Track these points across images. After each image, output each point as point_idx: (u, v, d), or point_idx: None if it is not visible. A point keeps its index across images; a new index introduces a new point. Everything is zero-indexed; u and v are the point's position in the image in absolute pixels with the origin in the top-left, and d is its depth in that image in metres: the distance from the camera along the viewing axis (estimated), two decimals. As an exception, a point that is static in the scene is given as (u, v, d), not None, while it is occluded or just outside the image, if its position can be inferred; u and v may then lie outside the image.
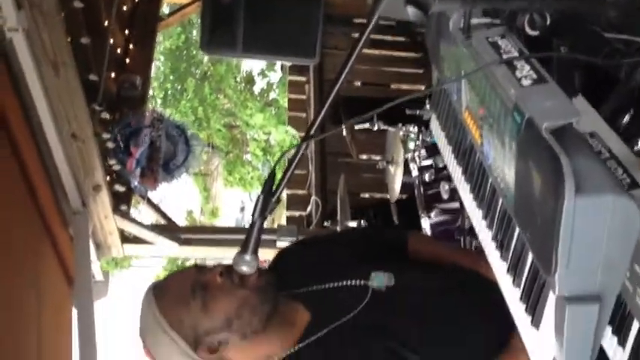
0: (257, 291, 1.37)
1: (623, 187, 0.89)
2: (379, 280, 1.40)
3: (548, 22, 1.24)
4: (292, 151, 1.28)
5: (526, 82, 1.00)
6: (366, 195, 4.87)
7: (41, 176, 2.92)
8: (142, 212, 6.75)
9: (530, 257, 0.98)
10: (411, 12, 1.17)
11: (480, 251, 1.25)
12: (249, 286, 1.37)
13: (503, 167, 1.03)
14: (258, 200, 1.26)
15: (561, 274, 0.80)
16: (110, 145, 3.57)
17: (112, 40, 3.93)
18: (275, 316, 1.39)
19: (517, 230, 1.03)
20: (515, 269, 1.04)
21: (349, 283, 1.44)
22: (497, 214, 1.12)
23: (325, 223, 4.15)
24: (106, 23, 3.88)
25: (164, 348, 1.38)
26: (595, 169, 0.81)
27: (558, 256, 0.79)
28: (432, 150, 2.85)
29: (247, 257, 1.28)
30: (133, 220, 3.76)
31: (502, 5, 1.22)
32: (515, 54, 1.10)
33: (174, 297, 1.38)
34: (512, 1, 1.23)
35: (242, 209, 15.16)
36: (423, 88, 5.12)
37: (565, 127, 0.89)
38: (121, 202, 3.63)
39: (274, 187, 1.26)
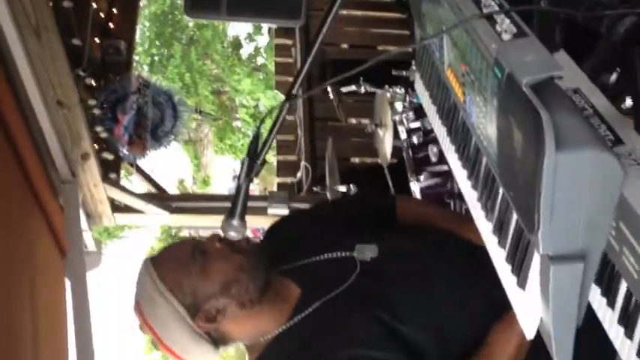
0: (251, 255, 1.41)
1: (606, 143, 0.88)
2: (363, 251, 1.42)
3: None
4: (276, 112, 1.28)
5: (506, 37, 0.98)
6: (356, 159, 4.87)
7: (28, 145, 2.89)
8: (133, 182, 6.75)
9: (514, 217, 0.98)
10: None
11: (468, 214, 1.25)
12: (245, 251, 1.41)
13: (486, 125, 1.02)
14: (243, 164, 1.26)
15: (544, 233, 0.80)
16: (97, 111, 3.55)
17: (94, 5, 3.86)
18: (268, 290, 1.42)
19: (501, 190, 1.02)
20: (500, 230, 1.04)
21: (336, 255, 1.45)
22: (481, 173, 1.11)
23: (315, 189, 4.14)
24: (88, -14, 3.81)
25: (162, 314, 1.40)
26: (576, 125, 0.80)
27: (540, 214, 0.79)
28: (420, 112, 2.83)
29: (235, 222, 1.28)
30: (123, 189, 3.75)
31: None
32: (496, 8, 1.09)
33: (174, 262, 1.41)
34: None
35: (234, 177, 15.14)
36: (409, 49, 5.08)
37: (546, 82, 0.87)
38: (110, 171, 3.61)
39: (259, 150, 1.26)
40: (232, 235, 1.31)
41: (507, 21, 1.02)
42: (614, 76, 1.55)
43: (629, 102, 1.43)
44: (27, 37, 2.61)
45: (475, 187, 1.16)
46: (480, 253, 1.17)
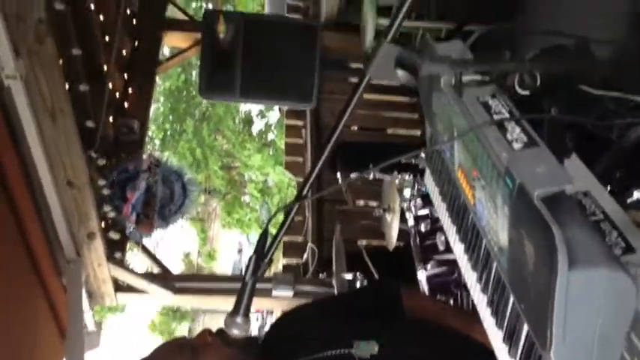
0: (242, 348, 1.41)
1: (617, 256, 0.87)
2: (363, 349, 1.39)
3: (538, 82, 1.24)
4: (285, 211, 1.28)
5: (517, 146, 0.99)
6: (363, 242, 4.84)
7: (35, 224, 2.90)
8: (137, 255, 6.70)
9: (525, 327, 0.95)
10: (401, 75, 1.17)
11: (475, 313, 1.22)
12: (235, 344, 1.39)
13: (497, 230, 1.01)
14: (250, 261, 1.25)
15: (557, 351, 0.78)
16: (106, 191, 3.56)
17: (110, 85, 3.94)
18: None
19: (512, 298, 1.00)
20: (511, 339, 1.01)
21: (334, 352, 1.43)
22: (491, 278, 1.09)
23: (320, 275, 4.10)
24: (105, 68, 3.91)
25: None
26: (588, 241, 0.79)
27: (553, 332, 0.77)
28: (428, 199, 2.83)
29: (239, 319, 1.26)
30: (127, 269, 3.72)
31: (492, 68, 1.22)
32: (506, 114, 1.10)
33: (164, 356, 1.42)
34: (501, 64, 1.23)
35: (239, 251, 15.09)
36: (418, 133, 5.12)
37: (557, 195, 0.87)
38: (115, 250, 3.59)
39: (266, 248, 1.25)
40: (235, 332, 1.28)
41: (518, 129, 1.03)
42: (618, 174, 1.55)
43: (636, 195, 1.43)
44: (42, 119, 2.66)
45: (485, 291, 1.14)
46: (488, 354, 1.13)
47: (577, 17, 2.13)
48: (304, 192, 1.21)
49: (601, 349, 0.80)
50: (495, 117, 1.08)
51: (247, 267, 1.25)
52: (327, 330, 1.54)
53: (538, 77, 1.21)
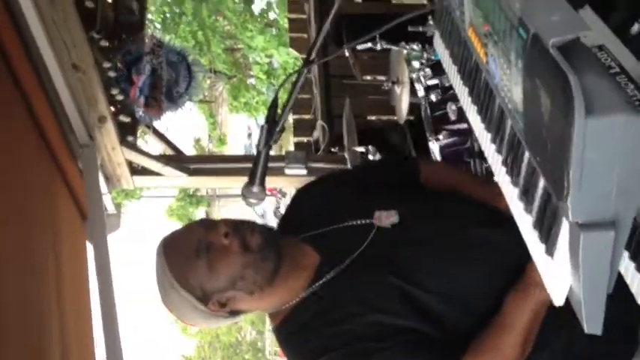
0: (258, 250, 1.40)
1: (635, 104, 0.86)
2: (383, 218, 1.41)
3: None
4: (294, 77, 1.26)
5: (530, -5, 0.95)
6: (373, 117, 4.83)
7: (46, 110, 2.89)
8: (149, 143, 6.76)
9: (541, 182, 0.95)
10: None
11: (489, 173, 1.23)
12: (252, 248, 1.39)
13: (511, 87, 1.00)
14: (262, 130, 1.25)
15: (574, 199, 0.77)
16: (112, 74, 3.52)
17: (106, -35, 3.81)
18: (282, 268, 1.42)
19: (527, 154, 1.00)
20: (526, 195, 1.01)
21: (356, 222, 1.45)
22: (506, 136, 1.09)
23: (332, 149, 4.12)
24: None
25: (177, 303, 1.44)
26: (605, 87, 0.78)
27: (570, 181, 0.76)
28: (438, 68, 2.79)
29: (255, 188, 1.29)
30: (141, 151, 3.75)
31: None
32: (519, -36, 1.05)
33: (181, 257, 1.41)
34: None
35: (249, 135, 15.18)
36: (424, 1, 4.97)
37: (573, 42, 0.85)
38: (127, 133, 3.61)
39: (277, 116, 1.25)
40: (253, 201, 1.31)
41: (531, -22, 0.98)
42: (636, 27, 1.50)
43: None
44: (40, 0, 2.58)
45: (499, 151, 1.14)
46: (506, 221, 1.15)
47: None
48: (311, 57, 1.18)
49: (619, 198, 0.79)
50: (508, -33, 1.03)
51: (260, 136, 1.26)
52: (349, 200, 1.56)
53: None
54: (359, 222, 1.45)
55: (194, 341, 19.49)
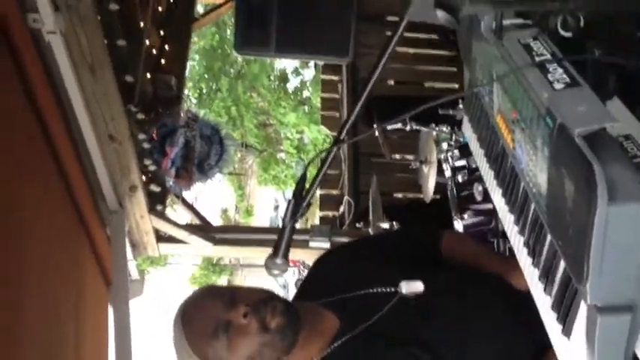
0: (278, 333, 1.38)
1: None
2: (408, 287, 1.40)
3: (581, 24, 1.21)
4: (324, 154, 1.29)
5: (558, 86, 0.98)
6: (399, 195, 4.85)
7: (79, 178, 2.98)
8: (177, 212, 6.84)
9: (562, 265, 0.96)
10: (441, 15, 1.16)
11: (512, 253, 1.23)
12: (272, 329, 1.38)
13: (536, 172, 1.02)
14: (289, 204, 1.27)
15: (593, 284, 0.79)
16: (146, 145, 3.63)
17: (147, 41, 3.98)
18: (300, 335, 1.40)
19: (549, 237, 1.01)
20: (546, 276, 1.02)
21: (379, 290, 1.44)
22: (529, 219, 1.10)
23: (357, 225, 4.14)
24: (142, 24, 3.93)
25: None
26: (628, 176, 0.80)
27: (590, 266, 0.78)
28: (465, 150, 2.82)
29: (278, 261, 1.29)
30: (168, 220, 3.81)
31: (535, 7, 1.21)
32: (548, 56, 1.09)
33: (199, 332, 1.41)
34: (545, 2, 1.21)
35: (276, 207, 15.25)
36: (456, 86, 5.07)
37: (598, 133, 0.87)
38: (156, 202, 3.68)
39: (305, 191, 1.27)
40: (275, 272, 1.32)
41: (560, 70, 1.02)
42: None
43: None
44: (82, 74, 2.70)
45: (522, 233, 1.15)
46: (526, 299, 1.14)
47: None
48: (341, 135, 1.22)
49: (637, 283, 0.81)
50: (537, 58, 1.07)
51: (286, 210, 1.28)
52: (370, 269, 1.55)
53: (581, 18, 1.19)
54: (382, 290, 1.43)
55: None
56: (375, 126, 3.39)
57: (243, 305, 1.39)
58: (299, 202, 1.26)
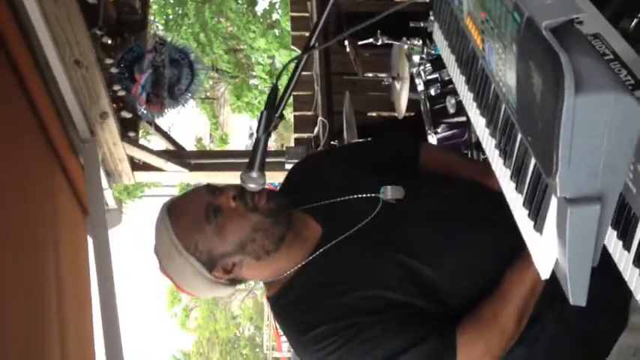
0: (269, 214, 1.38)
1: (626, 86, 0.87)
2: (390, 192, 1.42)
3: None
4: (294, 63, 1.27)
5: (526, -19, 0.97)
6: (373, 113, 4.85)
7: (48, 106, 2.92)
8: (151, 141, 6.79)
9: (532, 162, 0.97)
10: None
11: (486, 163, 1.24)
12: (261, 209, 1.37)
13: (505, 71, 1.02)
14: (261, 116, 1.26)
15: (562, 175, 0.79)
16: (114, 70, 3.55)
17: (109, -38, 3.83)
18: (288, 236, 1.41)
19: (519, 136, 1.02)
20: (518, 175, 1.03)
21: (361, 196, 1.45)
22: (500, 120, 1.11)
23: (332, 143, 4.14)
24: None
25: (179, 268, 1.41)
26: (596, 67, 0.80)
27: (559, 157, 0.78)
28: (437, 63, 2.81)
29: (254, 174, 1.28)
30: (142, 147, 3.78)
31: None
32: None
33: (189, 220, 1.39)
34: None
35: (251, 135, 15.19)
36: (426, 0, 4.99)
37: (566, 26, 0.87)
38: (128, 129, 3.64)
39: (277, 103, 1.26)
40: (252, 186, 1.31)
41: (528, -34, 1.00)
42: (634, 22, 1.52)
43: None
44: (43, -4, 2.61)
45: (493, 135, 1.16)
46: (502, 200, 1.17)
47: None
48: (311, 43, 1.20)
49: (605, 174, 0.81)
50: (504, -45, 1.05)
51: (259, 122, 1.27)
52: (351, 175, 1.55)
53: None
54: (364, 195, 1.44)
55: (192, 337, 19.52)
56: (345, 31, 3.32)
57: (232, 189, 1.39)
58: (271, 114, 1.25)
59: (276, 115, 1.25)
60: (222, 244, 1.37)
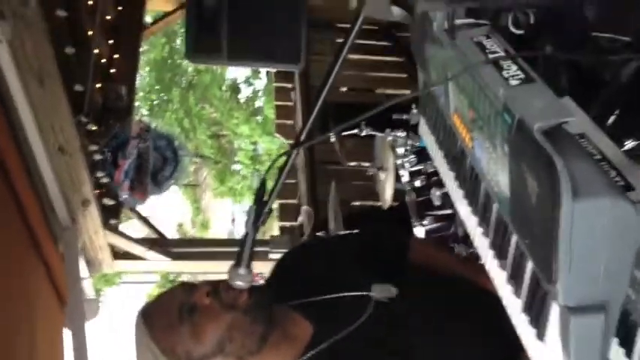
0: (247, 311, 1.31)
1: (622, 190, 0.87)
2: (381, 291, 1.38)
3: (532, 21, 1.23)
4: (282, 160, 1.27)
5: (514, 82, 0.98)
6: (357, 203, 4.85)
7: (29, 192, 2.88)
8: (132, 226, 6.72)
9: (529, 265, 0.95)
10: (396, 11, 1.16)
11: (473, 258, 1.22)
12: (239, 306, 1.31)
13: (496, 171, 1.01)
14: (250, 211, 1.24)
15: (563, 283, 0.77)
16: (97, 157, 3.54)
17: (96, 50, 3.89)
18: (273, 334, 1.34)
19: (514, 237, 1.00)
20: (515, 278, 1.00)
21: (353, 294, 1.40)
22: (492, 220, 1.09)
23: (318, 234, 4.11)
24: (90, 33, 3.84)
25: None
26: (591, 172, 0.79)
27: (559, 264, 0.77)
28: (422, 155, 2.83)
29: (241, 271, 1.25)
30: (123, 235, 3.72)
31: (487, 4, 1.21)
32: (501, 53, 1.09)
33: (163, 323, 1.33)
34: (494, 1, 1.22)
35: (233, 220, 15.11)
36: (408, 92, 5.11)
37: (557, 128, 0.87)
38: (110, 217, 3.59)
39: (265, 197, 1.24)
40: (239, 284, 1.27)
41: (514, 67, 1.02)
42: (613, 118, 1.55)
43: (629, 144, 1.43)
44: (29, 82, 2.62)
45: (486, 234, 1.14)
46: (498, 302, 1.13)
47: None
48: (301, 138, 1.20)
49: (607, 281, 0.79)
50: (490, 56, 1.07)
51: (247, 218, 1.24)
52: (339, 270, 1.51)
53: (532, 15, 1.20)
54: (354, 294, 1.40)
55: None
56: (332, 130, 3.36)
57: (205, 285, 1.33)
58: (260, 209, 1.23)
59: (265, 210, 1.23)
60: (199, 345, 1.30)
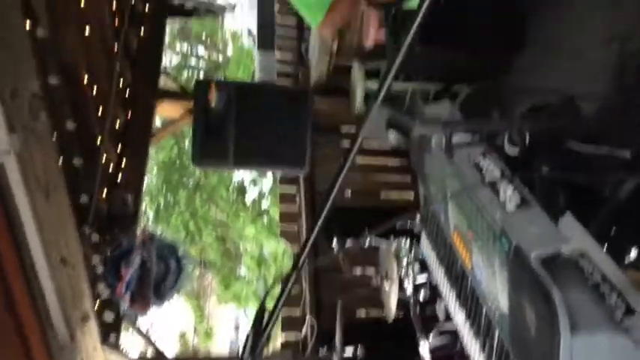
0: None
1: (618, 320, 0.85)
2: None
3: (527, 141, 1.24)
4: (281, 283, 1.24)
5: (510, 206, 0.99)
6: (362, 311, 4.73)
7: (27, 307, 2.81)
8: (131, 335, 6.56)
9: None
10: (392, 137, 1.18)
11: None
12: None
13: (497, 295, 0.99)
14: (247, 338, 1.20)
15: (565, 419, 0.75)
16: (100, 269, 3.50)
17: (104, 157, 3.91)
18: None
19: (516, 364, 0.97)
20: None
21: None
22: (494, 346, 1.06)
23: (320, 350, 3.98)
24: (99, 141, 3.87)
25: None
26: (589, 304, 0.78)
27: (560, 398, 0.74)
28: (426, 265, 2.80)
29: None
30: (122, 353, 3.60)
31: (480, 127, 1.23)
32: (498, 174, 1.10)
33: None
34: (490, 123, 1.24)
35: (237, 328, 14.77)
36: (411, 195, 5.11)
37: (555, 256, 0.86)
38: (109, 332, 3.49)
39: (264, 324, 1.21)
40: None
41: (510, 188, 1.02)
42: (612, 231, 1.53)
43: (634, 254, 1.41)
44: (36, 196, 2.61)
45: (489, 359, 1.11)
46: None
47: (561, 76, 2.17)
48: (300, 263, 1.18)
49: None
50: (487, 176, 1.08)
51: (245, 344, 1.20)
52: None
53: (527, 135, 1.22)
54: None
55: None
56: (334, 244, 3.34)
57: None
58: (258, 336, 1.19)
59: (263, 337, 1.19)
60: None
